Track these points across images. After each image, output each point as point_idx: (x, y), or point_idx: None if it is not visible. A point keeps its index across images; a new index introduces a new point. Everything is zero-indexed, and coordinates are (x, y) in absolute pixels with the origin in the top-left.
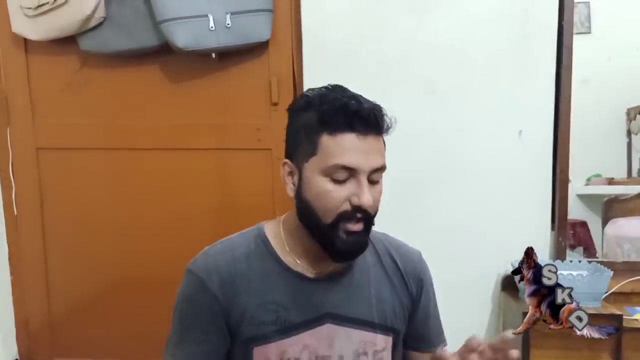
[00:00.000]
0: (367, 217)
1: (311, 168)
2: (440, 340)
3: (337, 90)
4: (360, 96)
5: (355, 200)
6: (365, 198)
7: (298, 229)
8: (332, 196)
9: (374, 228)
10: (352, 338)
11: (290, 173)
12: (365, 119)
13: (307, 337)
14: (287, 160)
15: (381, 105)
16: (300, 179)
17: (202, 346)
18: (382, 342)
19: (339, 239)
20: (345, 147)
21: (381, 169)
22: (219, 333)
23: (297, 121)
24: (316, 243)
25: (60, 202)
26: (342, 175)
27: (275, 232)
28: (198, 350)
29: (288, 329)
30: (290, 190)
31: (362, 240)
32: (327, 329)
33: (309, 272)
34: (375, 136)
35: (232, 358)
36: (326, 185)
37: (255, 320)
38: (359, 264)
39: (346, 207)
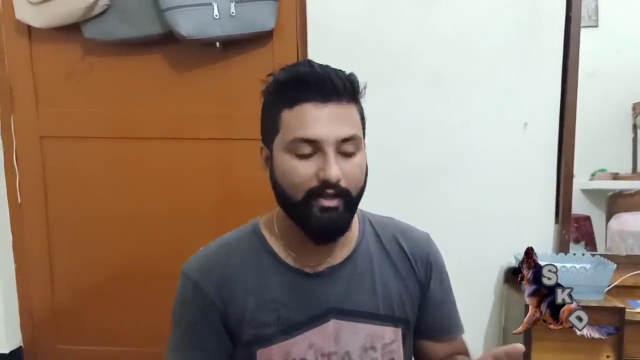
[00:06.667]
0: (343, 193)
1: (277, 147)
2: (458, 328)
3: (298, 63)
4: (321, 64)
5: (321, 175)
6: (332, 171)
7: (287, 218)
8: (298, 172)
9: (379, 213)
10: (359, 332)
11: (268, 158)
12: (319, 84)
13: (312, 336)
14: (263, 145)
15: (345, 71)
16: (271, 161)
17: (200, 352)
18: (391, 334)
19: (313, 216)
20: (303, 119)
21: (352, 138)
22: (217, 339)
23: (265, 102)
24: (298, 228)
25: (64, 191)
26: (305, 149)
27: (270, 226)
28: (196, 355)
29: (291, 329)
30: (267, 176)
31: (340, 217)
32: (333, 325)
33: (307, 266)
34: (337, 103)
35: None
36: (290, 162)
37: (255, 322)
38: (361, 252)
39: (314, 183)
